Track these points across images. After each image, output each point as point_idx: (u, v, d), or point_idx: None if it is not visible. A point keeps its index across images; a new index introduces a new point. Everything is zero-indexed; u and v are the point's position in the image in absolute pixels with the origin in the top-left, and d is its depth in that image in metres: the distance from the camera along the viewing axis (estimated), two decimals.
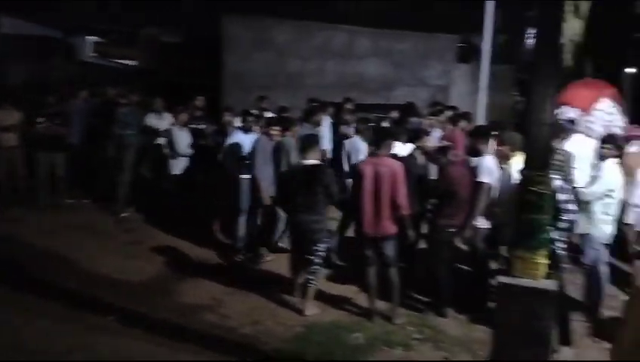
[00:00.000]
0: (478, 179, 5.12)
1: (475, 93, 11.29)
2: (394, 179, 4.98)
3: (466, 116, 7.83)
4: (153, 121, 8.19)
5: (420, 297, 5.56)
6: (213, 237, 7.13)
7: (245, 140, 6.74)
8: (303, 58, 11.32)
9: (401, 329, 4.99)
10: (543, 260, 3.38)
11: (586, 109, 7.17)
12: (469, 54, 15.27)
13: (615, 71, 13.37)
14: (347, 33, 11.93)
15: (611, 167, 5.20)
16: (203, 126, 8.23)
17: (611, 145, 5.36)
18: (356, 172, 5.21)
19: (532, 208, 3.37)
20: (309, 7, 13.21)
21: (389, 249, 5.10)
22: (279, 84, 10.83)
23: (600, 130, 6.95)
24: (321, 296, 5.51)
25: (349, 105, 8.86)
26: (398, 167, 5.09)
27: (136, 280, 5.95)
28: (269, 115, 8.16)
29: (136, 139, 8.07)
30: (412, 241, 5.50)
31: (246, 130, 6.89)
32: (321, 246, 5.21)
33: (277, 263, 6.30)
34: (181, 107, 8.05)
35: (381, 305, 5.22)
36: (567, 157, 5.83)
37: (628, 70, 14.05)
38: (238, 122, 7.47)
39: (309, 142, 5.40)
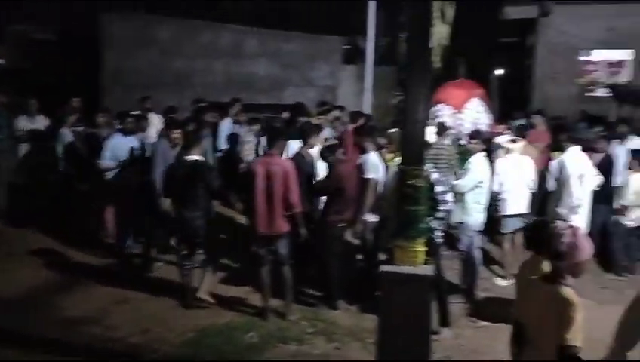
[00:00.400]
0: (364, 176, 5.34)
1: (360, 94, 11.76)
2: (286, 178, 5.05)
3: (361, 115, 8.17)
4: (25, 123, 7.60)
5: (313, 292, 5.70)
6: (100, 245, 6.78)
7: (125, 143, 6.48)
8: (189, 57, 11.06)
9: (295, 324, 5.10)
10: (420, 248, 3.62)
11: (458, 108, 7.92)
12: (354, 56, 15.84)
13: (485, 72, 14.60)
14: (234, 33, 11.84)
15: (479, 160, 5.69)
16: (80, 128, 7.74)
17: (478, 140, 5.85)
18: (248, 172, 5.22)
19: (410, 200, 3.59)
20: (194, 5, 12.96)
21: (282, 247, 5.18)
22: (164, 83, 10.49)
23: (469, 126, 7.69)
24: (214, 299, 5.45)
25: (237, 106, 8.82)
26: (289, 165, 5.17)
27: (13, 294, 5.51)
28: (155, 115, 7.92)
29: (6, 143, 7.43)
30: (304, 238, 5.60)
31: (125, 132, 6.61)
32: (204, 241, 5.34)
33: (168, 269, 6.13)
34: (59, 108, 7.54)
35: (275, 303, 5.29)
36: (450, 152, 6.33)
37: (496, 72, 15.44)
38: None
39: (193, 139, 5.49)
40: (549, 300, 2.68)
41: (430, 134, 7.42)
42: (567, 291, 2.67)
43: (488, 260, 6.63)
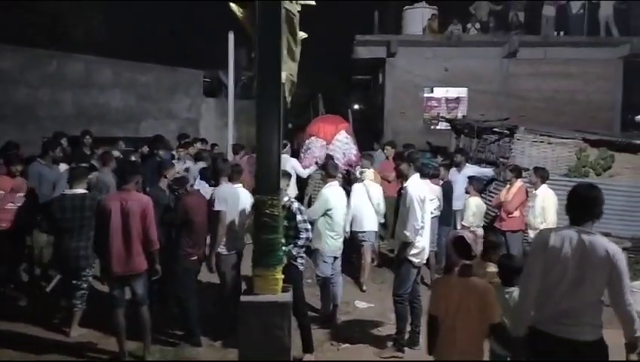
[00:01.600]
0: (214, 208, 5.30)
1: (223, 126, 11.77)
2: (144, 214, 4.82)
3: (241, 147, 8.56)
4: None
5: (175, 332, 5.50)
6: None
7: None
8: (33, 87, 10.26)
9: None
10: (279, 276, 3.70)
11: (328, 140, 8.96)
12: (215, 89, 15.88)
13: (343, 107, 15.49)
14: (85, 62, 11.23)
15: (330, 189, 5.96)
16: None
17: (330, 170, 6.14)
18: (101, 208, 4.88)
19: (267, 229, 3.69)
20: (38, 33, 12.12)
21: (140, 286, 4.92)
22: (4, 115, 9.61)
23: (340, 156, 8.80)
24: (63, 347, 5.04)
25: (87, 138, 8.33)
26: (146, 201, 4.95)
27: None
28: None
29: None
30: (160, 276, 5.37)
31: None
32: (87, 272, 5.45)
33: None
34: None
35: (132, 345, 4.99)
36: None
37: (354, 106, 16.50)
38: None
39: (78, 173, 5.53)
40: (468, 291, 3.33)
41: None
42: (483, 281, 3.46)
43: (348, 284, 6.94)
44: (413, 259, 5.11)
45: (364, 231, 7.10)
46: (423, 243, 5.12)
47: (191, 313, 5.28)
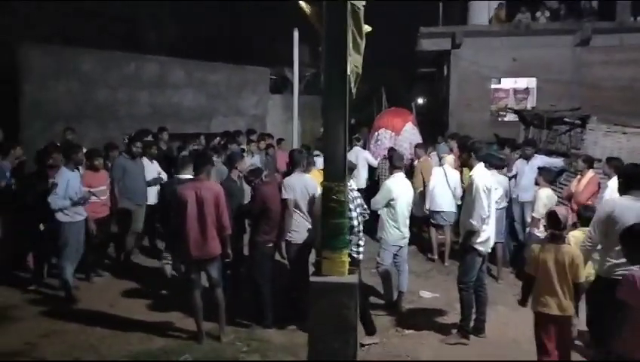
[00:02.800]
0: (282, 197, 5.54)
1: (288, 122, 12.07)
2: (217, 202, 5.12)
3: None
4: None
5: (248, 315, 5.77)
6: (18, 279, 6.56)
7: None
8: (113, 88, 10.95)
9: (230, 345, 5.16)
10: (345, 258, 3.88)
11: (397, 132, 9.71)
12: (281, 86, 16.27)
13: (407, 100, 15.48)
14: (159, 63, 11.85)
15: (394, 180, 6.06)
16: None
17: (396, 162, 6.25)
18: (179, 197, 5.19)
19: (334, 214, 3.85)
20: (116, 36, 12.88)
21: (215, 270, 5.24)
22: (87, 115, 10.34)
23: (408, 146, 9.40)
24: (146, 326, 5.45)
25: (164, 134, 8.88)
26: (218, 189, 5.27)
27: None
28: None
29: None
30: (234, 260, 5.71)
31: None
32: None
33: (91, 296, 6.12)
34: None
35: (208, 326, 5.32)
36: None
37: (418, 100, 16.46)
38: None
39: (185, 160, 6.22)
40: (561, 255, 4.09)
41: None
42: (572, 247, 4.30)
43: (414, 274, 7.02)
44: (479, 248, 5.15)
45: (443, 211, 7.76)
46: (488, 233, 5.15)
47: (265, 297, 5.57)
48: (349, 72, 3.86)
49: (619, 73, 13.91)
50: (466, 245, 5.22)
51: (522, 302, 4.45)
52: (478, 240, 5.12)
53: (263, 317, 5.58)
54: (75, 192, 6.14)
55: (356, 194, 5.36)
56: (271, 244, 5.56)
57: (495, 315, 5.81)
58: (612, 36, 13.97)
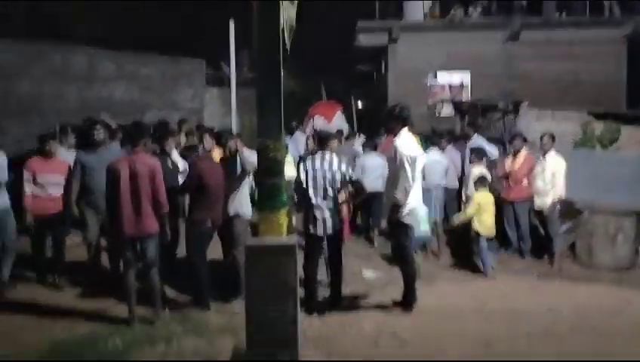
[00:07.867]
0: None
1: (227, 115, 11.80)
2: (152, 176, 4.83)
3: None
4: None
5: (183, 294, 5.53)
6: None
7: None
8: (37, 81, 10.32)
9: (164, 326, 4.85)
10: (284, 219, 3.70)
11: (329, 118, 11.12)
12: (218, 79, 15.91)
13: (344, 94, 15.54)
14: (87, 55, 11.30)
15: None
16: None
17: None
18: (111, 171, 4.83)
19: (271, 173, 3.68)
20: (41, 28, 12.21)
21: (151, 249, 4.93)
22: (9, 109, 9.68)
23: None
24: (74, 314, 5.06)
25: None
26: (154, 163, 4.96)
27: None
28: None
29: None
30: (171, 239, 5.39)
31: None
32: None
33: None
34: None
35: (142, 310, 4.99)
36: None
37: (359, 104, 16.66)
38: None
39: None
40: None
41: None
42: None
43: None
44: (406, 221, 5.00)
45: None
46: (413, 203, 4.98)
47: (202, 278, 5.28)
48: (282, 25, 3.70)
49: (548, 67, 14.49)
50: (392, 220, 5.08)
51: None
52: (404, 213, 4.96)
53: (200, 299, 5.30)
54: None
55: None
56: (209, 223, 5.30)
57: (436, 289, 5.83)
58: (540, 32, 14.55)
